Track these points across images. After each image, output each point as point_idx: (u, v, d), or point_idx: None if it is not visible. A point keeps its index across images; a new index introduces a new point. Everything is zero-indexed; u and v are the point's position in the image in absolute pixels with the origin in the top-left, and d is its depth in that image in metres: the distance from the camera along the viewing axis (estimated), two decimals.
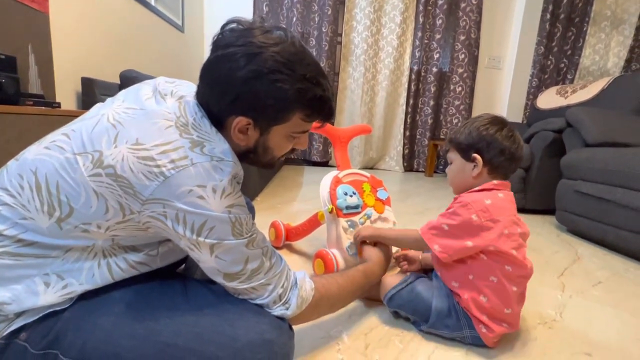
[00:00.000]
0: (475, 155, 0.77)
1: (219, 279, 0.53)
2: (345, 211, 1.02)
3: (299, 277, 0.60)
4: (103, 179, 0.46)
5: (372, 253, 0.87)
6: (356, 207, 1.05)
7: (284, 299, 0.56)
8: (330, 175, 1.08)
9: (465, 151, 0.80)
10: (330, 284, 0.66)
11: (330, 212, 1.02)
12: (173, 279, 0.59)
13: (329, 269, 0.98)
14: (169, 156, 0.47)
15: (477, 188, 0.77)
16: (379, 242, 0.92)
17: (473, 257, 0.74)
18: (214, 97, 0.53)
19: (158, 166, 0.46)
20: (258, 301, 0.55)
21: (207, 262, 0.51)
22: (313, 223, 1.18)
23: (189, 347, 0.47)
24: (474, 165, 0.78)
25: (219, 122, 0.54)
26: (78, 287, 0.50)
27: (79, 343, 0.47)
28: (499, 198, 0.75)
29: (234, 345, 0.47)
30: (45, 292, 0.48)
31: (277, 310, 0.55)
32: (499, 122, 0.79)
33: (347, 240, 1.00)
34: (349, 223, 1.02)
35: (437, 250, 0.75)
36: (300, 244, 1.31)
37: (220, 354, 0.47)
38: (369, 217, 1.06)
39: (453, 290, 0.78)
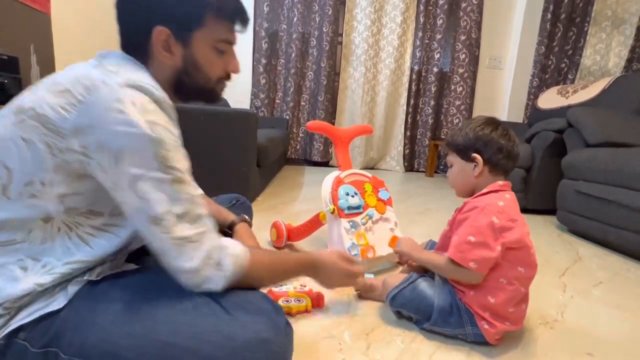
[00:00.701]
0: (475, 154, 0.79)
1: (145, 225, 0.50)
2: (346, 212, 1.02)
3: (223, 239, 0.56)
4: (27, 122, 0.47)
5: (324, 254, 0.77)
6: (358, 207, 1.05)
7: (216, 260, 0.52)
8: (331, 175, 1.09)
9: (464, 152, 0.81)
10: (260, 253, 0.62)
11: (332, 212, 1.02)
12: (169, 278, 0.58)
13: None
14: (82, 84, 0.47)
15: (484, 190, 0.79)
16: None
17: None
18: (130, 21, 0.56)
19: (74, 96, 0.47)
20: (187, 265, 0.50)
21: (130, 203, 0.49)
22: (314, 223, 1.18)
23: (186, 346, 0.47)
24: (475, 165, 0.79)
25: (144, 52, 0.55)
26: (57, 262, 0.50)
27: (78, 341, 0.48)
28: (507, 199, 0.77)
29: (231, 345, 0.47)
30: (25, 276, 0.48)
31: (214, 276, 0.52)
32: (493, 122, 0.81)
33: (348, 240, 1.00)
34: (350, 224, 1.02)
35: (474, 267, 0.72)
36: (301, 244, 1.31)
37: (217, 354, 0.47)
38: (370, 217, 1.06)
39: (458, 288, 0.78)
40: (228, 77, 0.64)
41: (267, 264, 0.62)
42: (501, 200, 0.75)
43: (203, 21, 0.56)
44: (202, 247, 0.51)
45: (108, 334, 0.48)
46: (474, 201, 0.77)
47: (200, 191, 0.55)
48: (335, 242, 1.03)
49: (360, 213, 1.05)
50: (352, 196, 1.05)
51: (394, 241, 0.97)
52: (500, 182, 0.79)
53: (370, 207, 1.08)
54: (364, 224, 1.04)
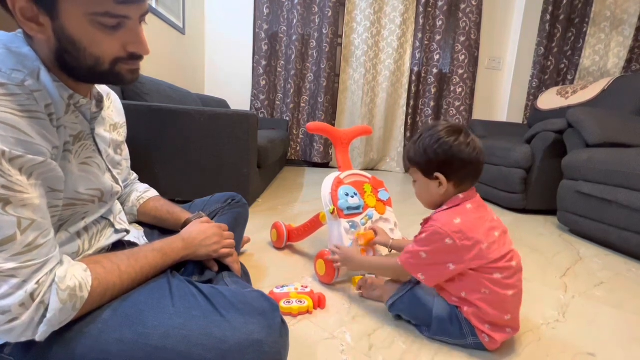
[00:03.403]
0: (438, 174, 0.74)
1: None
2: (346, 212, 1.02)
3: (65, 263, 0.48)
4: None
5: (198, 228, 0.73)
6: (357, 208, 1.05)
7: (38, 300, 0.42)
8: (331, 176, 1.09)
9: (426, 171, 0.76)
10: (112, 273, 0.52)
11: (332, 213, 1.02)
12: (159, 280, 0.58)
13: (331, 270, 0.98)
14: None
15: (444, 207, 0.75)
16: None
17: (461, 274, 0.72)
18: None
19: None
20: None
21: None
22: (315, 224, 1.18)
23: (177, 350, 0.47)
24: (439, 184, 0.75)
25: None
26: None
27: (67, 353, 0.47)
28: (468, 211, 0.72)
29: (222, 347, 0.47)
30: None
31: (32, 323, 0.42)
32: (454, 131, 0.73)
33: (348, 241, 1.00)
34: (350, 224, 1.02)
35: (422, 279, 0.74)
36: (301, 244, 1.31)
37: (208, 356, 0.46)
38: (370, 218, 1.07)
39: (456, 303, 0.76)
40: (132, 57, 0.52)
41: (119, 274, 0.53)
42: (459, 215, 0.71)
43: None
44: (28, 284, 0.42)
45: (97, 342, 0.47)
46: (433, 219, 0.74)
47: (40, 214, 0.44)
48: (335, 242, 1.03)
49: (360, 214, 1.05)
50: (352, 197, 1.05)
51: (365, 237, 0.99)
52: (461, 196, 0.74)
53: (370, 208, 1.08)
54: (363, 225, 1.05)
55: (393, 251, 1.05)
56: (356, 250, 0.95)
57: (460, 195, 0.74)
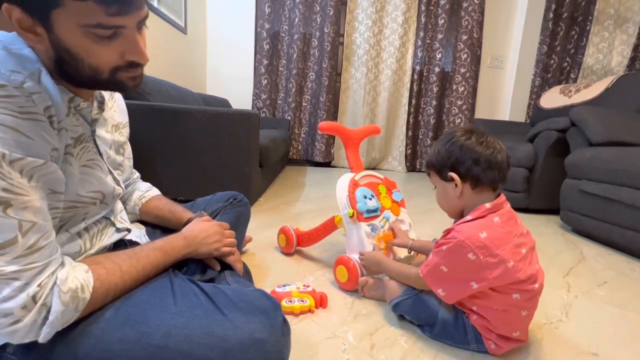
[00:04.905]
0: (451, 173, 0.73)
1: None
2: (366, 215, 0.99)
3: (67, 265, 0.48)
4: None
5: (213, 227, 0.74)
6: (376, 210, 1.02)
7: (40, 302, 0.43)
8: (345, 177, 1.05)
9: (441, 172, 0.76)
10: (113, 274, 0.52)
11: (351, 216, 0.98)
12: (161, 279, 0.58)
13: (354, 276, 0.95)
14: None
15: (469, 217, 0.71)
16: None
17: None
18: None
19: None
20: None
21: None
22: (328, 227, 1.13)
23: (179, 349, 0.47)
24: (455, 185, 0.73)
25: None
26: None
27: (68, 352, 0.47)
28: (495, 225, 0.68)
29: (224, 346, 0.47)
30: None
31: (35, 325, 0.43)
32: (467, 131, 0.74)
33: (370, 245, 0.97)
34: (370, 227, 0.99)
35: (442, 295, 0.71)
36: (312, 249, 1.27)
37: (210, 355, 0.46)
38: (387, 220, 1.04)
39: (465, 311, 0.75)
40: (131, 65, 0.51)
41: (121, 274, 0.53)
42: (485, 229, 0.67)
43: (57, 0, 0.43)
44: (30, 286, 0.42)
45: (100, 341, 0.47)
46: (456, 230, 0.70)
47: (41, 216, 0.44)
48: (355, 247, 0.99)
49: (378, 216, 1.02)
50: (370, 199, 1.02)
51: (385, 239, 0.99)
52: (488, 205, 0.70)
53: (386, 209, 1.05)
54: (382, 227, 1.02)
55: (412, 252, 1.04)
56: (380, 254, 0.94)
57: (487, 205, 0.70)
